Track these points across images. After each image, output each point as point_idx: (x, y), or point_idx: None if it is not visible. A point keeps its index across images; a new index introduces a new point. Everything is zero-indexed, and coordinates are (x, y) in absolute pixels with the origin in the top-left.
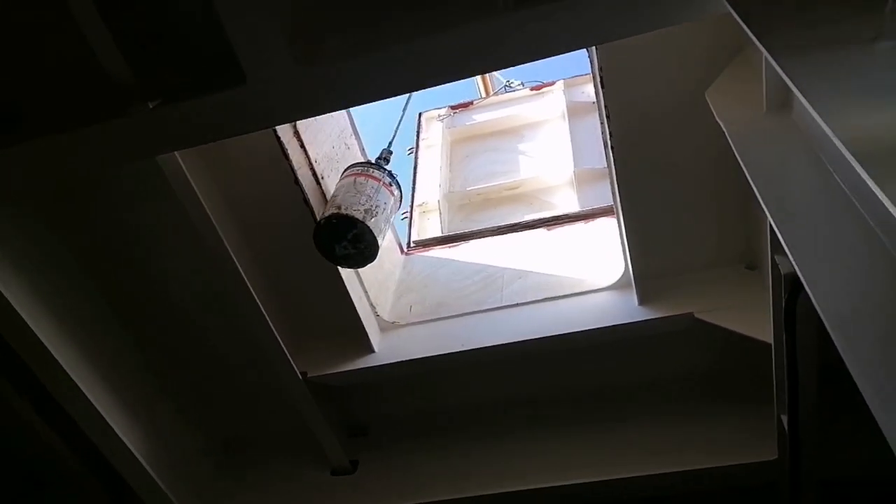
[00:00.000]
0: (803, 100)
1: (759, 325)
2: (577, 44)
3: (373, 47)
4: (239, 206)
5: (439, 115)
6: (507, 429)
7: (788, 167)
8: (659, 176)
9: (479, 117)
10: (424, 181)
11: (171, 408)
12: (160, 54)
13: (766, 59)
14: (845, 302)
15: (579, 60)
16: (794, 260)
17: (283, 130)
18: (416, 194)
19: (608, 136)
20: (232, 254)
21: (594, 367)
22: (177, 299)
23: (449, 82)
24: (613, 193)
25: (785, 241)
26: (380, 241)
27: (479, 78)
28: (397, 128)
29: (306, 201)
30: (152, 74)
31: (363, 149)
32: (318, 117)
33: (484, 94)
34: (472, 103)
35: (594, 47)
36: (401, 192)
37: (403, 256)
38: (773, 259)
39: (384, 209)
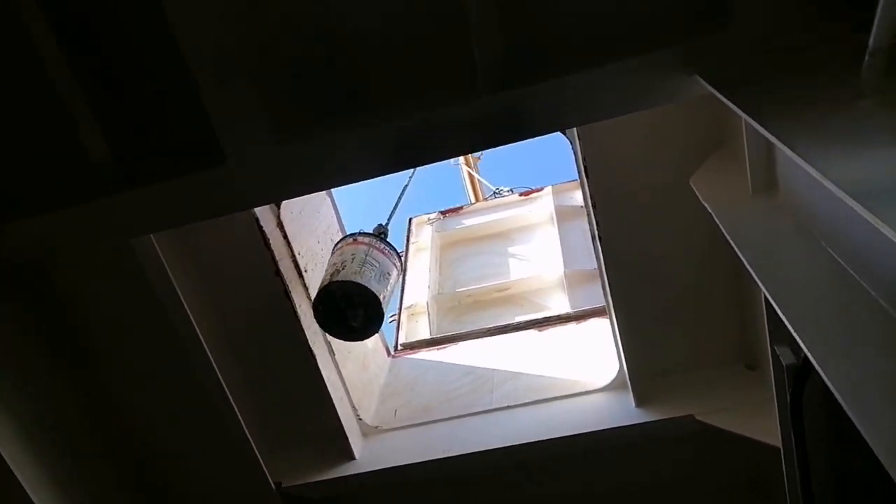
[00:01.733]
0: (789, 152)
1: (765, 427)
2: (557, 125)
3: (353, 128)
4: (216, 296)
5: (429, 219)
6: None
7: (781, 246)
8: (650, 272)
9: (468, 221)
10: (414, 284)
11: None
12: (140, 134)
13: (747, 135)
14: (859, 376)
15: (566, 168)
16: (801, 339)
17: (267, 220)
18: (404, 297)
19: (595, 227)
20: (204, 343)
21: (589, 474)
22: (144, 398)
23: (427, 164)
24: (605, 292)
25: (788, 320)
26: (383, 302)
27: (468, 184)
28: (395, 205)
29: (287, 294)
30: (132, 155)
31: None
32: (303, 213)
33: (473, 200)
34: (461, 208)
35: (577, 138)
36: (401, 261)
37: (390, 359)
38: (773, 350)
39: (391, 281)
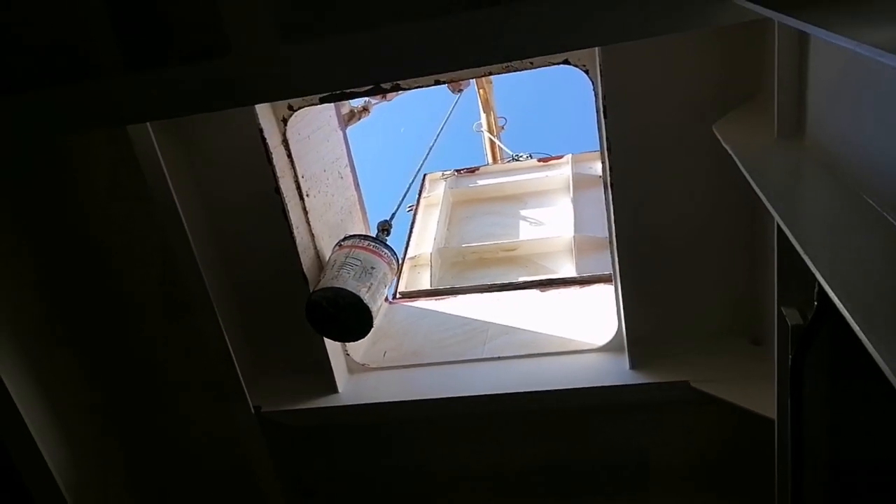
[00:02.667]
0: (826, 34)
1: (762, 400)
2: (577, 42)
3: (360, 27)
4: (212, 204)
5: (443, 175)
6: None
7: (804, 185)
8: (660, 231)
9: (483, 182)
10: (420, 237)
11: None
12: (145, 20)
13: (779, 70)
14: (883, 312)
15: (587, 141)
16: (819, 272)
17: (271, 135)
18: (409, 248)
19: (608, 174)
20: (193, 246)
21: (576, 436)
22: (129, 301)
23: (438, 73)
24: (611, 248)
25: (807, 254)
26: (374, 320)
27: (489, 150)
28: (404, 196)
29: (285, 214)
30: (136, 39)
31: (357, 183)
32: (311, 138)
33: (491, 162)
34: (477, 169)
35: (599, 76)
36: (392, 254)
37: (386, 305)
38: (779, 312)
39: (381, 283)
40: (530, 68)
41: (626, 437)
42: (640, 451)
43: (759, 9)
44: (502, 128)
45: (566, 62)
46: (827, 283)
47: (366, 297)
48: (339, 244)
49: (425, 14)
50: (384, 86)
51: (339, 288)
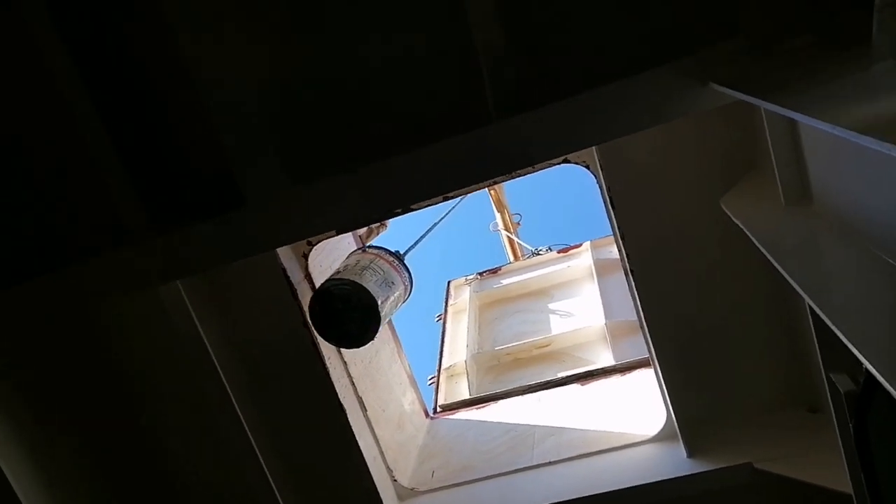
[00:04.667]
0: (806, 119)
1: (832, 473)
2: (571, 146)
3: (366, 162)
4: (244, 350)
5: (467, 280)
6: None
7: (822, 253)
8: (690, 307)
9: (507, 281)
10: (453, 345)
11: None
12: (163, 184)
13: (773, 142)
14: None
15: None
16: (857, 349)
17: (294, 271)
18: (443, 358)
19: (626, 261)
20: (234, 401)
21: None
22: (172, 456)
23: (444, 193)
24: (644, 336)
25: (841, 331)
26: (380, 306)
27: (508, 248)
28: (418, 240)
29: (315, 345)
30: (157, 204)
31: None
32: (332, 266)
33: (512, 260)
34: (500, 269)
35: (600, 170)
36: (410, 276)
37: (428, 421)
38: (828, 379)
39: (395, 303)
40: (533, 171)
41: None
42: None
43: (739, 95)
44: (518, 224)
45: (566, 161)
46: (864, 356)
47: (382, 309)
48: (362, 249)
49: (424, 140)
50: (398, 211)
51: (359, 284)
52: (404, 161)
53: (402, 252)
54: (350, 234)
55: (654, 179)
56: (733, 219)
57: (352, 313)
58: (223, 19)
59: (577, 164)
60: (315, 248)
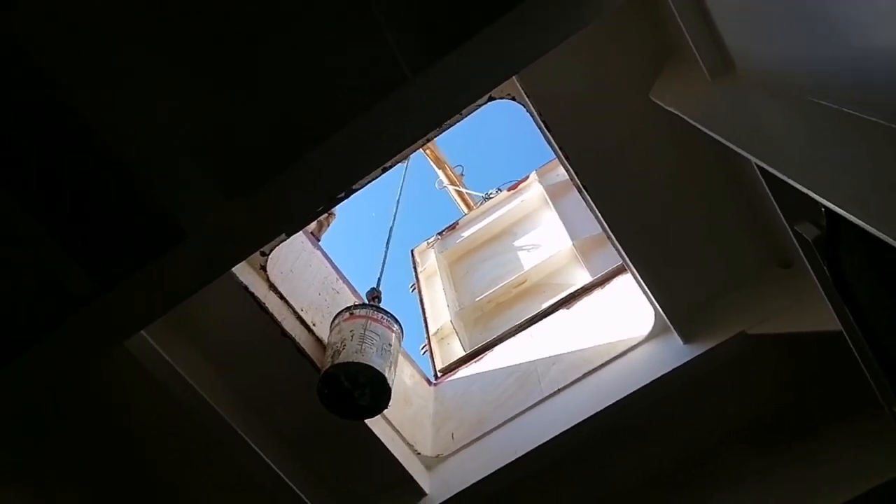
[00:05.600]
0: None
1: (820, 317)
2: (490, 82)
3: (293, 159)
4: (232, 378)
5: (428, 244)
6: None
7: (757, 114)
8: (646, 205)
9: (467, 233)
10: (434, 310)
11: None
12: (98, 240)
13: (683, 19)
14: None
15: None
16: (816, 193)
17: (257, 286)
18: (429, 325)
19: (576, 178)
20: (236, 429)
21: (664, 434)
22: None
23: (380, 165)
24: (612, 243)
25: (792, 178)
26: (388, 377)
27: (459, 201)
28: (383, 263)
29: (301, 352)
30: (97, 262)
31: (355, 290)
32: (293, 271)
33: (466, 212)
34: (456, 223)
35: (527, 99)
36: (399, 325)
37: (432, 388)
38: (793, 231)
39: (392, 351)
40: (461, 118)
41: (710, 411)
42: (728, 417)
43: None
44: (462, 175)
45: (491, 99)
46: (819, 195)
47: (390, 376)
48: (349, 312)
49: (346, 118)
50: (340, 196)
51: (362, 364)
52: (334, 142)
53: (376, 285)
54: (301, 234)
55: (581, 93)
56: (666, 108)
57: (362, 390)
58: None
59: (502, 99)
60: (270, 257)
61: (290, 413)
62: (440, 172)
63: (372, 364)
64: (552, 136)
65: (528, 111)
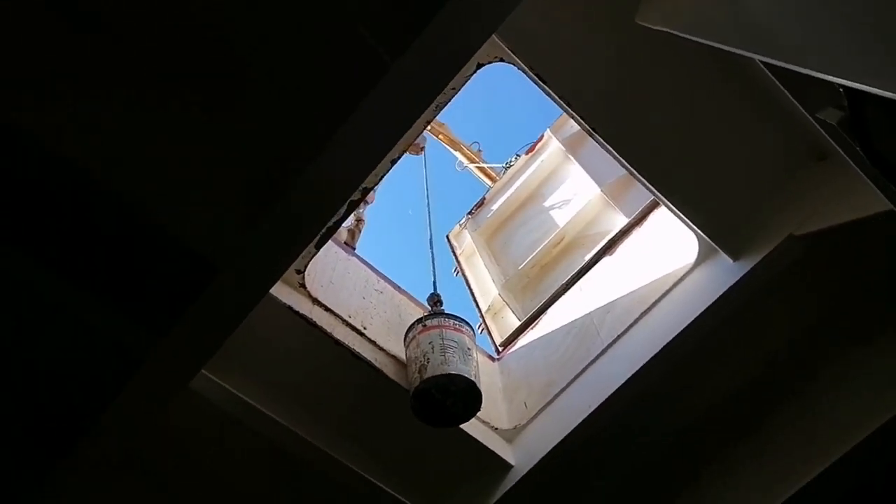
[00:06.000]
0: None
1: (865, 201)
2: (470, 48)
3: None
4: (301, 399)
5: (461, 225)
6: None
7: (748, 9)
8: (669, 132)
9: (496, 206)
10: (481, 287)
11: None
12: (137, 293)
13: None
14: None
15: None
16: (829, 72)
17: (300, 304)
18: (479, 303)
19: (586, 124)
20: (323, 447)
21: (733, 356)
22: None
23: (383, 155)
24: (641, 182)
25: (804, 66)
26: (476, 382)
27: (480, 175)
28: (433, 264)
29: (357, 356)
30: (144, 314)
31: (398, 287)
32: (333, 281)
33: (491, 185)
34: (484, 199)
35: (513, 55)
36: (469, 326)
37: (496, 363)
38: (817, 119)
39: (473, 354)
40: (455, 93)
41: (771, 323)
42: (789, 326)
43: None
44: (480, 151)
45: (479, 66)
46: (832, 74)
47: (478, 379)
48: (422, 325)
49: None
50: (355, 198)
51: (451, 375)
52: (335, 143)
53: (434, 291)
54: (332, 244)
55: (568, 37)
56: (654, 28)
57: (454, 399)
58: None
59: (491, 63)
60: (306, 273)
61: (364, 418)
62: (458, 154)
63: (459, 373)
64: (549, 88)
65: (519, 69)
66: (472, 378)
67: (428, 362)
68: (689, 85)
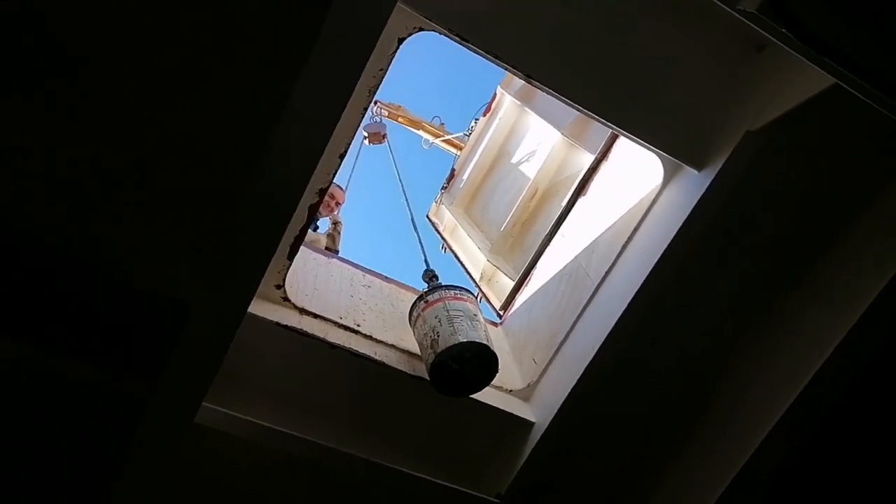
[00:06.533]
0: None
1: (810, 82)
2: (379, 23)
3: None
4: (309, 410)
5: (437, 201)
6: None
7: None
8: (612, 61)
9: (466, 175)
10: (471, 258)
11: None
12: (126, 346)
13: None
14: None
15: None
16: None
17: (287, 317)
18: (472, 273)
19: (523, 74)
20: (340, 448)
21: (721, 266)
22: None
23: (324, 145)
24: (590, 116)
25: None
26: (489, 344)
27: (448, 147)
28: (421, 244)
29: (357, 354)
30: (137, 361)
31: (386, 277)
32: (317, 288)
33: (458, 153)
34: (454, 171)
35: (432, 23)
36: (470, 292)
37: (500, 328)
38: (738, 12)
39: (479, 318)
40: (384, 73)
41: (753, 225)
42: (769, 223)
43: None
44: (442, 125)
45: (401, 41)
46: None
47: (489, 340)
48: (423, 301)
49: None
50: (313, 202)
51: (462, 343)
52: (269, 149)
53: (428, 267)
54: (309, 252)
55: None
56: None
57: (471, 365)
58: None
59: (411, 35)
60: (286, 286)
61: (377, 416)
62: (421, 133)
63: (471, 339)
64: (474, 45)
65: (441, 34)
66: (485, 342)
67: (438, 336)
68: (613, 13)
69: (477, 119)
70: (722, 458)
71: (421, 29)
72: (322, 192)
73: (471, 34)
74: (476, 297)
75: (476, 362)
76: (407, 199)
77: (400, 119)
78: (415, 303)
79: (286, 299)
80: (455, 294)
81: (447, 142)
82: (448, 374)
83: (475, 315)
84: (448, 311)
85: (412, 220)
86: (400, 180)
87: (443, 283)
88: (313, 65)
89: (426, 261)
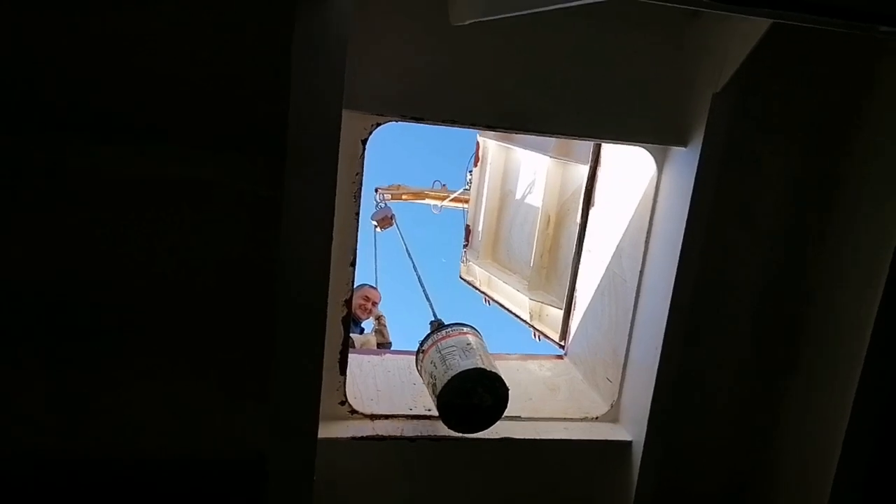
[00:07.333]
0: None
1: (754, 27)
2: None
3: None
4: None
5: (463, 260)
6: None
7: None
8: (557, 87)
9: (480, 226)
10: (515, 302)
11: None
12: None
13: None
14: None
15: None
16: None
17: (361, 427)
18: (522, 317)
19: (481, 127)
20: None
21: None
22: None
23: (327, 264)
24: (569, 137)
25: None
26: (484, 367)
27: (459, 205)
28: (429, 301)
29: (435, 439)
30: None
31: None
32: (377, 386)
33: (466, 207)
34: (468, 227)
35: (389, 116)
36: (469, 326)
37: (566, 359)
38: None
39: (473, 345)
40: (361, 177)
41: (762, 175)
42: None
43: None
44: (444, 186)
45: (364, 143)
46: None
47: (486, 364)
48: (420, 351)
49: None
50: (343, 315)
51: (459, 373)
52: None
53: (434, 318)
54: (358, 357)
55: (408, 69)
56: (469, 22)
57: (477, 395)
58: None
59: (371, 134)
60: (349, 400)
61: (474, 483)
62: (427, 201)
63: (462, 368)
64: (430, 121)
65: (398, 122)
66: (479, 366)
67: (436, 380)
68: (546, 43)
69: (471, 171)
70: None
71: (378, 124)
72: (347, 303)
73: (423, 112)
74: (535, 339)
75: (479, 388)
76: (415, 266)
77: (403, 196)
78: (416, 355)
79: (354, 412)
80: (447, 333)
81: (454, 200)
82: (459, 412)
83: (468, 344)
84: (441, 351)
85: (419, 277)
86: (407, 251)
87: (441, 324)
88: (290, 203)
89: (433, 312)
